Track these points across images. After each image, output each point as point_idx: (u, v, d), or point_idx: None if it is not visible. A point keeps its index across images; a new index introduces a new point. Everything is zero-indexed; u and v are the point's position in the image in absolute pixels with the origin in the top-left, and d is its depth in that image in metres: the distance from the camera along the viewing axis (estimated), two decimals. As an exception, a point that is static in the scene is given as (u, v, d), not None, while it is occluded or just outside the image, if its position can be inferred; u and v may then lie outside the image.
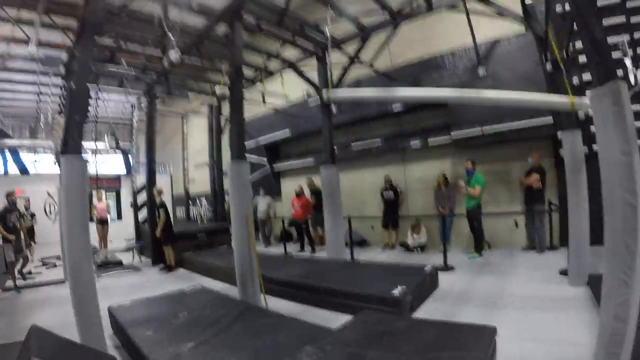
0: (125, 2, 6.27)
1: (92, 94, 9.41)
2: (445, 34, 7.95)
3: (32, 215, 11.26)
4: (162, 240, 8.65)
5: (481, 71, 6.86)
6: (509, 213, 7.03)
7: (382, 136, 9.35)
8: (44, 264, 9.88)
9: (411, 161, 9.15)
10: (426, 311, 4.44)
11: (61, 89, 10.18)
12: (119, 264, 9.30)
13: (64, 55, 8.05)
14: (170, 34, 5.75)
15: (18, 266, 7.17)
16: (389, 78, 8.32)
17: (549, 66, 5.13)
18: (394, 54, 8.58)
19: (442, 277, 5.67)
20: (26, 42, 7.77)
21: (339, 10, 6.61)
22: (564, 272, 5.20)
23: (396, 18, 6.82)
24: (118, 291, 6.55)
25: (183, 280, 7.33)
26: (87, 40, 4.44)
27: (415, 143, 8.64)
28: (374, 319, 3.36)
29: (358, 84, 9.00)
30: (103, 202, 11.60)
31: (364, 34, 7.34)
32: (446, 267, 6.28)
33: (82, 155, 4.16)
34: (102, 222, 11.30)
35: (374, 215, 8.90)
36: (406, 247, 8.34)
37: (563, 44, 4.97)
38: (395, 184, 8.91)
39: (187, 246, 9.47)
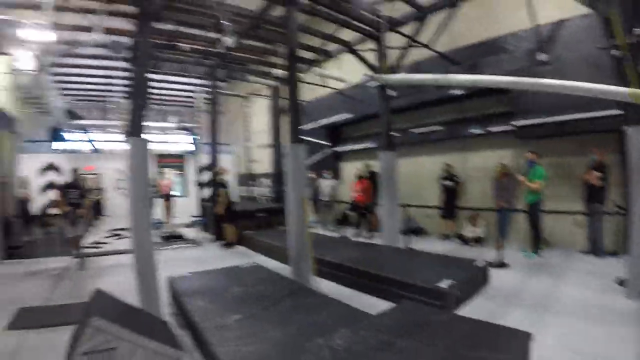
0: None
1: (157, 77, 9.96)
2: (506, 14, 7.53)
3: (101, 190, 12.25)
4: (223, 218, 9.04)
5: (542, 56, 6.40)
6: (571, 211, 6.51)
7: (442, 122, 9.08)
8: (113, 235, 10.73)
9: (471, 150, 8.80)
10: (472, 307, 4.33)
11: (128, 71, 10.84)
12: (182, 238, 9.87)
13: (128, 41, 8.55)
14: (224, 20, 5.89)
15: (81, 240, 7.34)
16: (449, 60, 8.00)
17: (615, 52, 4.64)
18: (454, 35, 8.17)
19: (495, 273, 5.49)
20: (92, 30, 8.34)
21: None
22: (621, 282, 4.79)
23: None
24: (179, 263, 6.90)
25: (241, 257, 7.67)
26: (145, 29, 4.68)
27: (475, 130, 8.31)
28: (413, 310, 3.35)
29: (418, 66, 8.74)
30: (167, 179, 12.38)
31: (421, 14, 7.10)
32: (500, 264, 6.05)
33: (145, 137, 4.45)
34: (166, 198, 12.07)
35: (432, 204, 8.67)
36: (462, 239, 8.12)
37: (630, 28, 4.45)
38: (454, 173, 8.63)
39: (247, 225, 9.75)
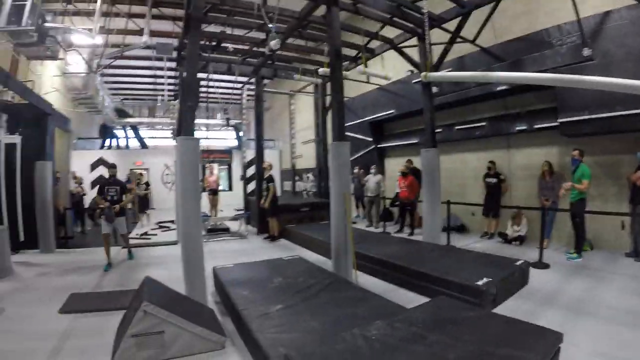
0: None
1: (202, 75, 10.38)
2: (550, 6, 7.27)
3: (147, 185, 12.91)
4: (267, 212, 9.32)
5: (586, 52, 6.15)
6: (617, 213, 6.17)
7: (486, 118, 8.89)
8: (160, 227, 11.31)
9: (516, 147, 8.56)
10: (509, 306, 4.29)
11: (175, 70, 11.34)
12: (227, 230, 10.26)
13: (175, 42, 8.92)
14: (269, 22, 6.06)
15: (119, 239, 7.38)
16: (492, 56, 7.85)
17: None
18: (498, 29, 7.99)
19: (535, 274, 5.39)
20: (140, 32, 8.76)
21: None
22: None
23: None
24: (223, 255, 7.22)
25: (284, 250, 7.90)
26: (193, 35, 4.91)
27: (519, 127, 8.09)
28: (447, 305, 3.39)
29: (461, 61, 8.64)
30: (214, 175, 12.89)
31: (464, 10, 7.02)
32: (541, 264, 5.92)
33: (195, 135, 4.70)
34: (213, 193, 12.55)
35: (474, 201, 8.51)
36: (505, 238, 7.97)
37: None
38: (498, 170, 8.45)
39: (291, 219, 9.95)
